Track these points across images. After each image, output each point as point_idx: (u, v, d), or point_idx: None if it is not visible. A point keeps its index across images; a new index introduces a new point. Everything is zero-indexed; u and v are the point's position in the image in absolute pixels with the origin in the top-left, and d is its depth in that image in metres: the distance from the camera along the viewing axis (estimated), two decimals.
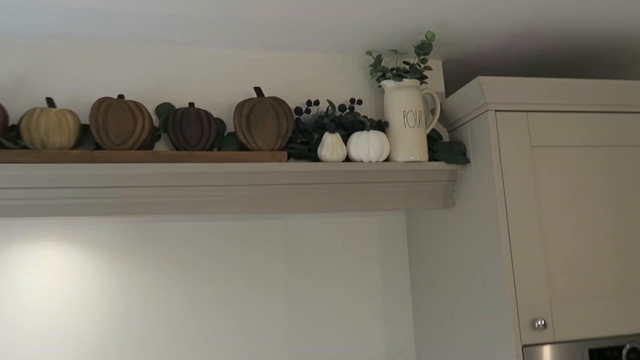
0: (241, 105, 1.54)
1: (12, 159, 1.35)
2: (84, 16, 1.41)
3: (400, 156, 1.58)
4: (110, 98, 1.46)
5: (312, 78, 1.72)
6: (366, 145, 1.54)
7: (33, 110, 1.42)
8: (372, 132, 1.56)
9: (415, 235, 1.93)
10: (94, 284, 1.72)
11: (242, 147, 1.55)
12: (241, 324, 1.80)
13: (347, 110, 1.68)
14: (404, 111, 1.59)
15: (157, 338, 1.72)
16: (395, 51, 1.66)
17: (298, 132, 1.59)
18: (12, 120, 1.44)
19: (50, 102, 1.46)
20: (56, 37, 1.53)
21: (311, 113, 1.65)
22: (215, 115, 1.59)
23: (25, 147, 1.39)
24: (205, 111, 1.53)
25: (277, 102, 1.56)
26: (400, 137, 1.59)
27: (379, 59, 1.68)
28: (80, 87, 1.54)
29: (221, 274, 1.82)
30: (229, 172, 1.48)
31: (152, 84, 1.59)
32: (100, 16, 1.42)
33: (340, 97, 1.72)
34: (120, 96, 1.48)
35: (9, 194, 1.39)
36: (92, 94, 1.51)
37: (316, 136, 1.59)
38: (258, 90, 1.58)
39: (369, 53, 1.71)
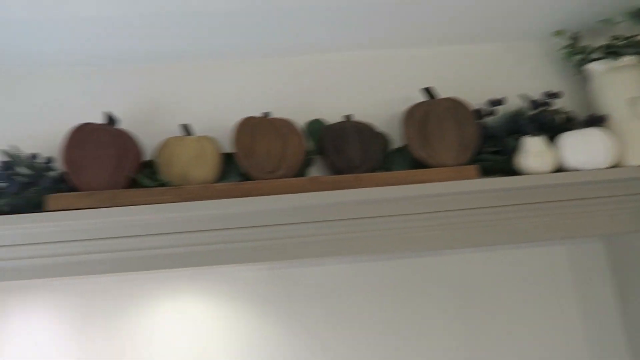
0: (411, 113, 1.21)
1: (150, 199, 1.12)
2: (212, 29, 1.19)
3: (636, 158, 1.16)
4: (255, 117, 1.20)
5: (487, 73, 1.37)
6: (584, 148, 1.15)
7: (168, 140, 1.19)
8: (587, 130, 1.16)
9: (628, 267, 1.46)
10: (233, 339, 1.46)
11: (416, 165, 1.22)
12: None
13: (542, 107, 1.29)
14: (632, 98, 1.18)
15: None
16: (607, 20, 1.25)
17: (484, 139, 1.23)
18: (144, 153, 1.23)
19: (186, 129, 1.23)
20: (183, 58, 1.31)
21: (495, 114, 1.29)
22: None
23: (163, 185, 1.16)
24: (365, 124, 1.22)
25: (455, 104, 1.22)
26: (630, 134, 1.17)
27: (575, 38, 1.29)
28: (216, 109, 1.30)
29: (382, 324, 1.47)
30: (404, 197, 1.15)
31: (296, 98, 1.32)
32: (228, 26, 1.19)
33: (526, 93, 1.34)
34: (266, 114, 1.22)
35: (146, 242, 1.15)
36: (230, 116, 1.26)
37: (511, 142, 1.22)
38: (429, 91, 1.25)
39: (559, 33, 1.32)
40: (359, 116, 1.29)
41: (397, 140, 1.27)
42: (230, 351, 1.45)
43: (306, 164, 1.24)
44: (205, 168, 1.18)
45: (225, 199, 1.11)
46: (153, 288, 1.49)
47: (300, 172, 1.22)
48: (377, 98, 1.32)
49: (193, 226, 1.14)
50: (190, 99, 1.31)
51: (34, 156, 1.20)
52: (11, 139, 1.26)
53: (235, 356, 1.45)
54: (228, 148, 1.24)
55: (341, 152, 1.20)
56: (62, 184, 1.18)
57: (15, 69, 1.29)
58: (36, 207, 1.15)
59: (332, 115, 1.29)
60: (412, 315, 1.49)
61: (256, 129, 1.18)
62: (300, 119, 1.27)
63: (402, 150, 1.24)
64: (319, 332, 1.46)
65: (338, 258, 1.23)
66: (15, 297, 1.51)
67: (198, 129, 1.27)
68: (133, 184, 1.18)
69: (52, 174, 1.21)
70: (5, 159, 1.20)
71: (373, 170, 1.21)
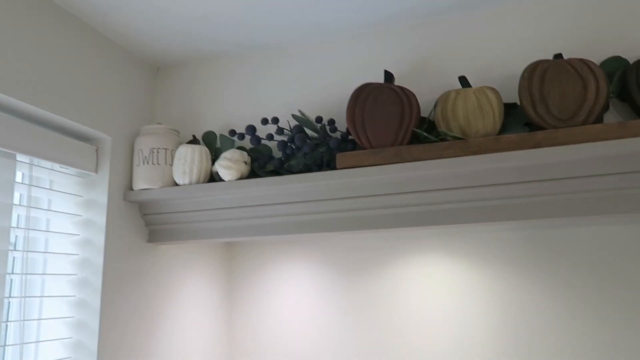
0: None
1: (435, 153, 1.11)
2: None
3: None
4: (545, 61, 1.09)
5: None
6: None
7: (447, 93, 1.16)
8: None
9: None
10: (481, 300, 1.42)
11: None
12: None
13: None
14: None
15: None
16: None
17: None
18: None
19: (464, 81, 1.18)
20: (450, 12, 1.26)
21: None
22: None
23: (444, 139, 1.14)
24: None
25: None
26: None
27: None
28: (491, 57, 1.23)
29: None
30: None
31: (588, 35, 1.17)
32: None
33: None
34: (557, 56, 1.10)
35: (431, 197, 1.15)
36: (511, 64, 1.18)
37: None
38: None
39: None
40: None
41: None
42: (478, 313, 1.41)
43: (604, 109, 1.09)
44: (488, 120, 1.11)
45: (518, 151, 1.04)
46: (411, 245, 1.52)
47: (599, 119, 1.08)
48: None
49: (480, 180, 1.10)
50: (466, 51, 1.25)
51: (318, 119, 1.29)
52: (298, 104, 1.37)
53: (481, 318, 1.40)
54: (508, 98, 1.16)
55: None
56: (346, 144, 1.24)
57: (299, 41, 1.40)
58: (323, 165, 1.24)
59: (633, 52, 1.11)
60: None
61: (547, 73, 1.07)
62: (595, 59, 1.12)
63: None
64: (578, 297, 1.32)
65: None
66: (281, 250, 1.69)
67: (476, 81, 1.21)
68: (415, 139, 1.18)
69: (336, 134, 1.28)
70: (295, 122, 1.31)
71: None
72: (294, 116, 1.28)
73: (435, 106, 1.18)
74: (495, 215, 1.11)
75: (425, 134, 1.14)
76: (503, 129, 1.15)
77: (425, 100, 1.22)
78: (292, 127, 1.29)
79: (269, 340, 1.63)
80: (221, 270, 1.71)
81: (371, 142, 1.17)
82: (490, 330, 1.39)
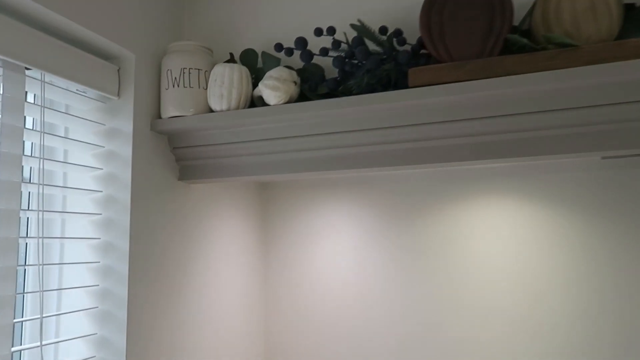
0: None
1: (536, 65, 0.90)
2: None
3: None
4: None
5: None
6: None
7: None
8: None
9: None
10: (548, 246, 1.26)
11: None
12: None
13: None
14: None
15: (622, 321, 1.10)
16: None
17: None
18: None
19: None
20: None
21: None
22: None
23: (544, 47, 0.92)
24: None
25: None
26: None
27: None
28: None
29: None
30: None
31: None
32: None
33: None
34: None
35: (524, 122, 0.95)
36: None
37: None
38: None
39: None
40: None
41: None
42: (544, 261, 1.24)
43: None
44: (603, 23, 0.89)
45: None
46: (467, 187, 1.34)
47: None
48: None
49: (595, 99, 0.89)
50: None
51: (383, 30, 1.07)
52: (356, 13, 1.15)
53: (550, 268, 1.23)
54: None
55: None
56: (418, 59, 1.03)
57: None
58: (390, 85, 1.03)
59: None
60: None
61: None
62: None
63: None
64: None
65: None
66: (321, 192, 1.51)
67: None
68: (506, 51, 0.96)
69: (404, 48, 1.07)
70: (355, 34, 1.10)
71: None
72: (352, 26, 1.06)
73: (532, 9, 0.95)
74: (601, 143, 0.90)
75: (524, 39, 0.92)
76: (620, 36, 0.93)
77: (517, 4, 1.00)
78: (350, 40, 1.08)
79: (306, 288, 1.48)
80: (257, 213, 1.54)
81: (452, 54, 0.96)
82: (560, 280, 1.22)
